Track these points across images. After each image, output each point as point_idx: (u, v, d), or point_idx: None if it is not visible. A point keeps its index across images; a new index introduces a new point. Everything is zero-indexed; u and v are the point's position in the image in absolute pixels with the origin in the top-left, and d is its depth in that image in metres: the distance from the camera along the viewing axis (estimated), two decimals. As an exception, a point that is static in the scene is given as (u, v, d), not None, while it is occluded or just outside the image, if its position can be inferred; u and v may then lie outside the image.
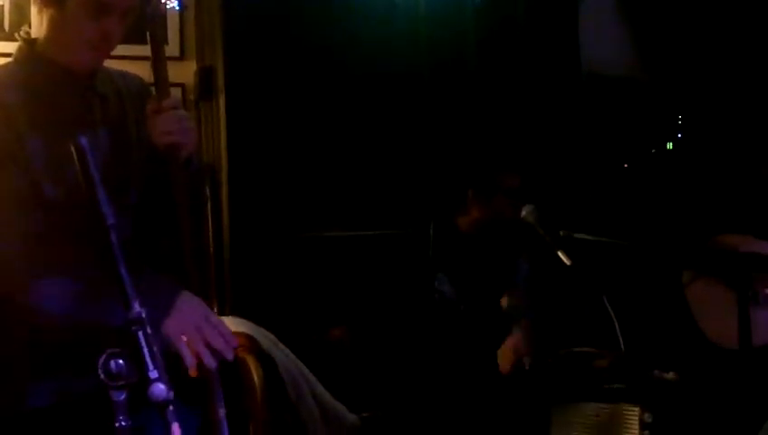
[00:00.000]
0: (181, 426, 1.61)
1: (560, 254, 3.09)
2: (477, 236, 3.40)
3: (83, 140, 1.62)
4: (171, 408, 1.61)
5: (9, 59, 2.25)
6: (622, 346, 2.95)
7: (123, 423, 1.60)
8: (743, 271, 2.62)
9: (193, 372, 2.12)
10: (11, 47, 2.25)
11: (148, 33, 2.20)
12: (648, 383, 2.97)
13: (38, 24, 2.19)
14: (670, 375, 2.97)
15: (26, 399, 2.10)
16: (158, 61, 2.21)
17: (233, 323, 3.47)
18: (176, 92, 3.84)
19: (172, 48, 3.93)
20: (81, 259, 2.04)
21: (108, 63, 2.28)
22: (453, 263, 3.34)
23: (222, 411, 2.16)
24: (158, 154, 2.15)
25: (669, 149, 5.01)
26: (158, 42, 2.23)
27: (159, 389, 1.60)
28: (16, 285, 2.05)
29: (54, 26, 2.14)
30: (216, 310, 3.80)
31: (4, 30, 3.64)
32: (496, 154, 3.78)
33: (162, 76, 2.20)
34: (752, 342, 2.60)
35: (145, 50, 2.21)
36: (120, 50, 2.24)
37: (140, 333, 1.61)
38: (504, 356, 3.35)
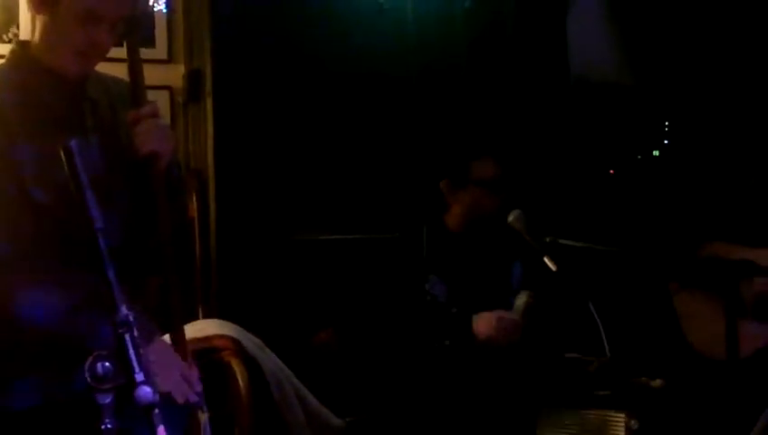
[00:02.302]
0: (167, 428, 1.61)
1: (546, 260, 3.10)
2: (467, 235, 3.39)
3: (73, 143, 1.63)
4: (157, 411, 1.60)
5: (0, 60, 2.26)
6: (608, 352, 2.95)
7: (109, 425, 1.60)
8: (731, 279, 2.63)
9: None
10: (0, 48, 2.25)
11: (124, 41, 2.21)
12: (634, 390, 2.98)
13: (32, 29, 2.21)
14: (656, 382, 2.97)
15: (13, 400, 2.09)
16: (135, 68, 2.22)
17: (218, 326, 3.46)
18: (163, 95, 3.84)
19: (160, 50, 3.91)
20: (66, 273, 2.04)
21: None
22: (445, 265, 3.34)
23: (206, 415, 2.16)
24: (139, 162, 2.16)
25: (656, 156, 5.02)
26: (135, 49, 2.23)
27: (145, 392, 1.59)
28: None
29: (46, 32, 2.16)
30: (201, 314, 3.80)
31: (-8, 31, 3.62)
32: (468, 143, 3.75)
33: (139, 84, 2.22)
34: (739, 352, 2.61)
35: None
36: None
37: (127, 336, 1.61)
38: (486, 323, 3.27)
